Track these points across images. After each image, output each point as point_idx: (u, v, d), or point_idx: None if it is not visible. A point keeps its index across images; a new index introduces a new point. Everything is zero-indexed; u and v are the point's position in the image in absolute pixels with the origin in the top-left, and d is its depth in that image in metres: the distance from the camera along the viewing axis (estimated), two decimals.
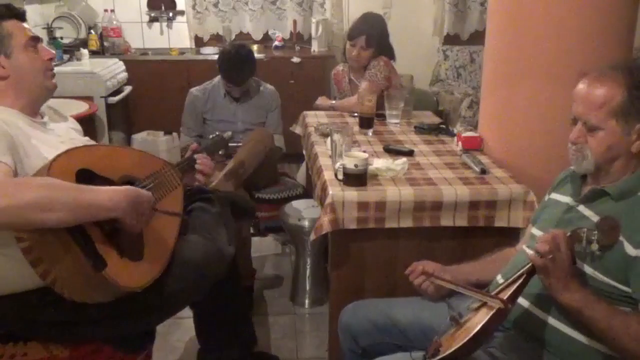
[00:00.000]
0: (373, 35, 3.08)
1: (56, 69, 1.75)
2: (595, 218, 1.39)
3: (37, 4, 4.32)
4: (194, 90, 3.24)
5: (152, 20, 5.01)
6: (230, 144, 3.06)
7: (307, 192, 3.08)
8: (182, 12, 5.00)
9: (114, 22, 4.77)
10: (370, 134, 2.67)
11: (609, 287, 1.33)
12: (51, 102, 1.79)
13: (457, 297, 1.61)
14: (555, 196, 1.59)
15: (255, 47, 4.54)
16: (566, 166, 1.56)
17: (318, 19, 4.84)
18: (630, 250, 1.30)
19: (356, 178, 2.00)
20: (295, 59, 4.70)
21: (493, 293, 1.43)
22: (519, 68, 2.17)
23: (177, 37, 5.05)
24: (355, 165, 1.98)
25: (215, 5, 4.99)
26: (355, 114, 2.89)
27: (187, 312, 2.04)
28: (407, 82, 3.21)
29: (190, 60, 4.75)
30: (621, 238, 1.31)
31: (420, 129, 2.73)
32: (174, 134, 4.13)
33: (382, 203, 1.96)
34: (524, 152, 2.21)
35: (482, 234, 2.05)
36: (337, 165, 2.08)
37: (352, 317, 1.75)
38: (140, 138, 4.31)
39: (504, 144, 2.30)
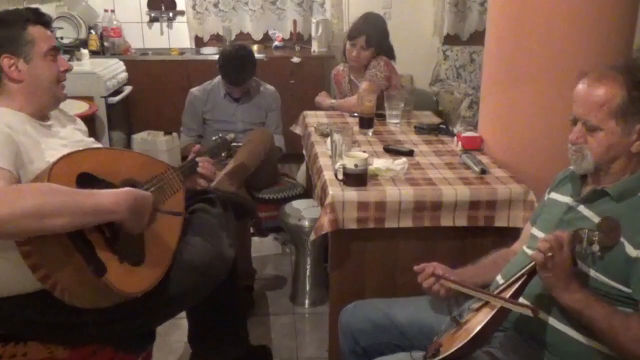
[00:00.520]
0: (373, 35, 3.08)
1: None
2: (595, 218, 1.39)
3: (37, 4, 4.32)
4: (194, 90, 3.24)
5: (152, 20, 5.00)
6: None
7: (307, 192, 3.08)
8: (182, 12, 5.00)
9: (114, 22, 4.77)
10: (370, 134, 2.67)
11: (610, 288, 1.33)
12: None
13: (458, 297, 1.61)
14: (554, 196, 1.59)
15: (255, 47, 4.54)
16: (566, 166, 1.56)
17: (318, 19, 4.84)
18: (630, 251, 1.30)
19: (356, 178, 2.00)
20: (295, 59, 4.70)
21: (494, 293, 1.43)
22: (519, 68, 2.17)
23: (177, 37, 5.05)
24: (355, 165, 1.99)
25: (216, 5, 4.98)
26: (355, 114, 2.89)
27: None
28: (407, 82, 3.22)
29: (190, 60, 4.75)
30: (622, 239, 1.31)
31: (420, 129, 2.73)
32: (174, 134, 4.13)
33: (382, 203, 1.96)
34: (524, 152, 2.21)
35: (482, 234, 2.05)
36: (337, 165, 2.08)
37: (352, 317, 1.75)
38: (140, 138, 4.31)
39: (504, 144, 2.30)
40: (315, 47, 4.89)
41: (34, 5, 3.95)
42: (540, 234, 1.51)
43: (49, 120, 1.69)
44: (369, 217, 1.97)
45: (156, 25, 5.03)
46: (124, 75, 4.34)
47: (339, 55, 3.83)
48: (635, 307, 1.31)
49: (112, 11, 4.81)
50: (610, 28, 2.05)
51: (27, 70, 1.59)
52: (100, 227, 1.41)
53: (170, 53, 4.85)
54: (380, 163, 2.13)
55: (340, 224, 1.96)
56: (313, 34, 4.88)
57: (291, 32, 5.07)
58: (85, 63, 4.20)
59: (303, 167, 3.45)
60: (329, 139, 2.33)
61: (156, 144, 4.24)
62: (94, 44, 4.64)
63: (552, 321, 1.41)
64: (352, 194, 1.96)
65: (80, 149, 1.62)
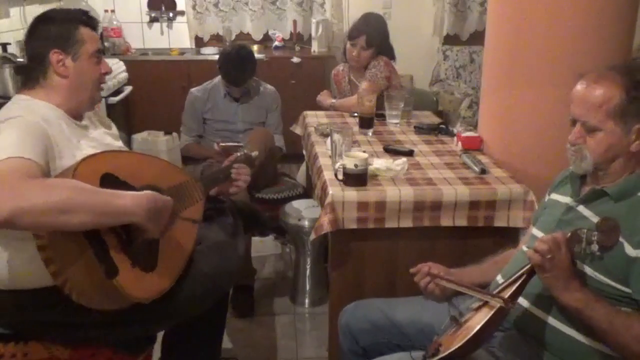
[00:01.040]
0: (373, 35, 3.08)
1: None
2: (595, 219, 1.39)
3: (37, 4, 4.31)
4: (194, 90, 3.24)
5: (153, 20, 5.01)
6: (230, 144, 3.07)
7: (307, 192, 3.08)
8: (182, 13, 5.00)
9: (114, 23, 4.77)
10: (370, 134, 2.67)
11: (609, 288, 1.33)
12: None
13: (458, 297, 1.61)
14: (555, 196, 1.60)
15: (255, 48, 4.55)
16: (566, 166, 1.56)
17: (318, 19, 4.84)
18: (630, 251, 1.30)
19: (356, 178, 2.00)
20: (295, 59, 4.70)
21: (494, 293, 1.43)
22: (519, 68, 2.17)
23: (178, 37, 5.05)
24: (355, 165, 1.99)
25: (216, 5, 4.99)
26: (355, 114, 2.89)
27: None
28: (407, 82, 3.22)
29: (190, 60, 4.76)
30: (621, 239, 1.31)
31: (420, 129, 2.73)
32: (174, 134, 4.13)
33: (382, 203, 1.96)
34: (523, 152, 2.21)
35: (482, 234, 2.05)
36: (337, 165, 2.08)
37: (352, 317, 1.75)
38: (141, 138, 4.31)
39: (503, 144, 2.30)
40: (315, 47, 4.89)
41: (34, 6, 3.96)
42: (540, 234, 1.51)
43: (83, 121, 1.71)
44: (369, 217, 1.97)
45: (156, 25, 5.04)
46: (124, 75, 4.34)
47: (339, 56, 3.84)
48: (635, 307, 1.30)
49: (112, 11, 4.81)
50: (610, 28, 2.05)
51: (73, 67, 1.63)
52: (116, 229, 1.41)
53: (170, 53, 4.85)
54: (380, 163, 2.14)
55: (340, 224, 1.97)
56: (313, 34, 4.88)
57: (291, 32, 5.07)
58: None
59: (303, 167, 3.45)
60: (329, 139, 2.33)
61: (156, 144, 4.24)
62: None
63: (552, 321, 1.41)
64: (352, 194, 1.96)
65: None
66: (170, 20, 5.02)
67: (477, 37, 4.98)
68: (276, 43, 5.01)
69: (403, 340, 1.65)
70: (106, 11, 4.78)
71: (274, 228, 3.02)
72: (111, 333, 1.56)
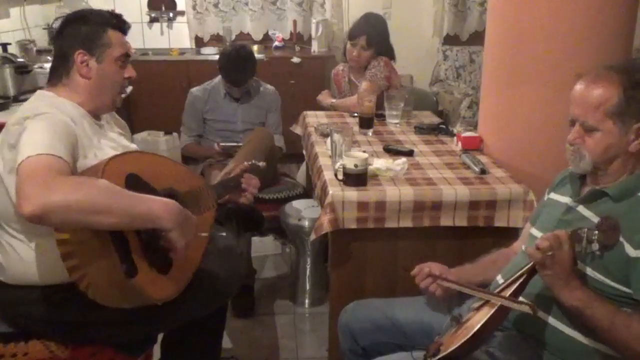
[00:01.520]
0: (373, 35, 3.08)
1: None
2: (594, 219, 1.39)
3: (37, 4, 4.32)
4: (194, 90, 3.24)
5: (153, 20, 5.01)
6: (230, 144, 3.07)
7: (307, 192, 3.08)
8: (182, 13, 5.01)
9: None
10: (370, 134, 2.68)
11: (609, 288, 1.33)
12: None
13: (458, 296, 1.61)
14: (554, 196, 1.60)
15: (255, 48, 4.55)
16: (565, 166, 1.56)
17: (318, 19, 4.84)
18: (630, 251, 1.31)
19: (356, 178, 2.00)
20: (295, 59, 4.71)
21: (494, 292, 1.43)
22: (519, 68, 2.17)
23: (178, 37, 5.05)
24: (355, 165, 1.99)
25: (216, 5, 4.99)
26: (355, 114, 2.89)
27: None
28: (407, 82, 3.22)
29: (190, 60, 4.76)
30: (621, 239, 1.31)
31: (420, 129, 2.73)
32: (174, 134, 4.13)
33: (382, 203, 1.97)
34: (523, 152, 2.22)
35: (482, 234, 2.05)
36: (337, 165, 2.08)
37: (352, 317, 1.75)
38: (141, 138, 4.31)
39: (503, 144, 2.31)
40: (315, 47, 4.89)
41: (34, 6, 3.97)
42: (539, 234, 1.51)
43: (102, 121, 1.72)
44: (369, 217, 1.97)
45: (156, 25, 5.04)
46: None
47: (339, 56, 3.84)
48: (635, 307, 1.30)
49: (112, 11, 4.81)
50: (609, 28, 2.05)
51: (96, 69, 1.63)
52: (139, 231, 1.41)
53: (170, 53, 4.85)
54: (380, 163, 2.14)
55: (340, 224, 1.97)
56: (313, 34, 4.89)
57: (291, 32, 5.07)
58: None
59: (303, 167, 3.45)
60: (329, 139, 2.34)
61: (156, 144, 4.24)
62: None
63: (552, 321, 1.41)
64: (352, 194, 1.96)
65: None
66: (171, 20, 5.02)
67: (477, 37, 4.98)
68: (276, 43, 5.01)
69: (403, 340, 1.65)
70: None
71: (274, 228, 3.02)
72: (115, 333, 1.56)
